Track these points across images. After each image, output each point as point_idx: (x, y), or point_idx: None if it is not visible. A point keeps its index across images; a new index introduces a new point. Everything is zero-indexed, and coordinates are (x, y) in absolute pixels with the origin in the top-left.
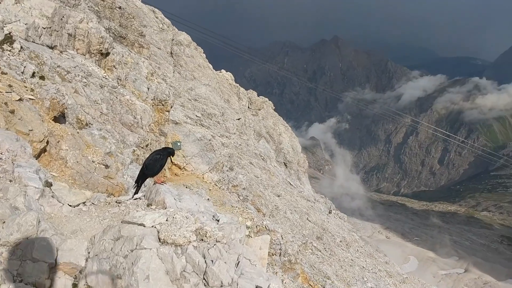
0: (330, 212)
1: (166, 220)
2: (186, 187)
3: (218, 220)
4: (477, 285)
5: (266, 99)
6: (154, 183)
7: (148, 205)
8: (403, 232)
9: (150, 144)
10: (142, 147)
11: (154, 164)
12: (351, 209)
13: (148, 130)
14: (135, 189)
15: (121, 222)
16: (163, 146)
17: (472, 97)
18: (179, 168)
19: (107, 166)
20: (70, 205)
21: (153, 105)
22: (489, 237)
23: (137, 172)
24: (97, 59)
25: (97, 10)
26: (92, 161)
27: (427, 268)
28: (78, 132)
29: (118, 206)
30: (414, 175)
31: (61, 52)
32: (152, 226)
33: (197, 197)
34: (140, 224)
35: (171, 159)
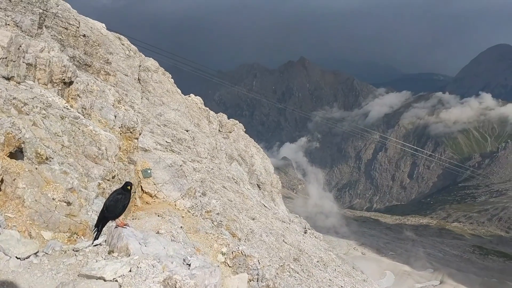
0: (305, 232)
1: (130, 270)
2: (158, 216)
3: (189, 265)
4: None
5: (237, 121)
6: (116, 227)
7: (109, 252)
8: (378, 248)
9: (118, 175)
10: (108, 180)
11: (116, 205)
12: (326, 227)
13: (114, 161)
14: (95, 234)
15: (78, 275)
16: (126, 181)
17: (437, 112)
18: (150, 196)
19: (69, 203)
20: (18, 258)
21: (121, 133)
22: (461, 247)
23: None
24: (60, 88)
25: (60, 38)
26: (53, 198)
27: (404, 282)
28: (36, 168)
29: (75, 255)
30: (386, 190)
31: (18, 83)
32: (113, 280)
33: (164, 240)
34: (99, 278)
35: (141, 187)
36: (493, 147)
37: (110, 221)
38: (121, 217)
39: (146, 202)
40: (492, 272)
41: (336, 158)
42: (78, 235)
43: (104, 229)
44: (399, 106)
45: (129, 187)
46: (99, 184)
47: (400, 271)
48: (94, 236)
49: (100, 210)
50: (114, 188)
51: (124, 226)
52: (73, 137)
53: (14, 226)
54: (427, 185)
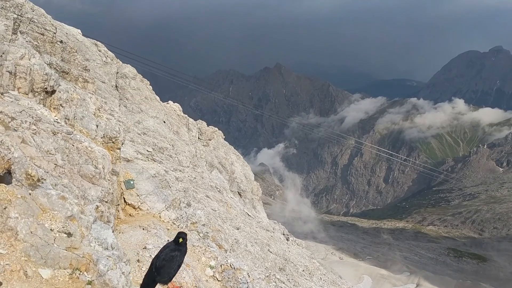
0: (288, 240)
1: None
2: (143, 229)
3: None
4: None
5: (216, 128)
6: None
7: None
8: (355, 252)
9: (112, 193)
10: (107, 202)
11: (170, 266)
12: (304, 232)
13: (109, 179)
14: None
15: None
16: (178, 231)
17: (411, 117)
18: (134, 208)
19: (69, 234)
20: None
21: (103, 143)
22: (436, 250)
23: (103, 233)
24: (41, 98)
25: (36, 44)
26: (50, 229)
27: (381, 286)
28: (30, 194)
29: None
30: (362, 194)
31: (1, 94)
32: None
33: None
34: None
35: (124, 199)
36: (465, 151)
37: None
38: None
39: (129, 214)
40: (466, 274)
41: (312, 163)
42: (80, 271)
43: None
44: (374, 112)
45: (181, 240)
46: (97, 207)
47: (377, 275)
48: None
49: (147, 271)
50: (112, 211)
51: None
52: (67, 155)
53: (7, 264)
54: (402, 189)
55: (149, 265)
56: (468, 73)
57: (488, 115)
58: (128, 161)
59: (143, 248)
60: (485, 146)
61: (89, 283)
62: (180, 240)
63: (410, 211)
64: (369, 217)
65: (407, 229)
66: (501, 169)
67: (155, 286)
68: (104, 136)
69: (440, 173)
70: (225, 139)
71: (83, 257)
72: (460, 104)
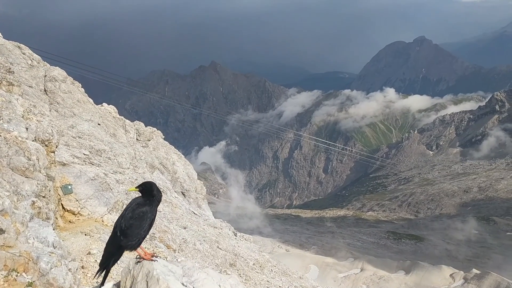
0: (236, 235)
1: None
2: (86, 235)
3: None
4: (373, 281)
5: (155, 129)
6: (139, 261)
7: None
8: (300, 243)
9: (50, 190)
10: (44, 197)
11: (140, 225)
12: (250, 229)
13: (45, 174)
14: (101, 276)
15: None
16: (141, 182)
17: (345, 108)
18: (73, 214)
19: (2, 231)
20: None
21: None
22: (377, 234)
23: (43, 231)
24: None
25: None
26: None
27: (327, 274)
28: None
29: None
30: (303, 186)
31: None
32: None
33: (214, 272)
34: None
35: (62, 205)
36: (397, 137)
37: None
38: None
39: (69, 221)
40: (406, 254)
41: (254, 159)
42: (18, 272)
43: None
44: (311, 105)
45: (153, 191)
46: (33, 202)
47: (323, 263)
48: (101, 282)
49: (109, 237)
50: (51, 207)
51: (153, 259)
52: None
53: None
54: (341, 179)
55: (95, 271)
56: (396, 63)
57: (416, 102)
58: (64, 165)
59: (87, 254)
60: (416, 132)
61: (30, 284)
62: (153, 191)
63: (350, 199)
64: (312, 207)
65: (348, 216)
66: (431, 153)
67: (121, 253)
68: (36, 139)
69: (376, 160)
70: (164, 140)
71: (20, 256)
72: (390, 93)
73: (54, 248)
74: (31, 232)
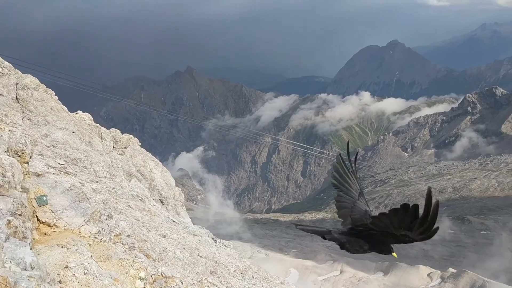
0: (216, 242)
1: None
2: (62, 247)
3: None
4: (352, 283)
5: (131, 136)
6: None
7: None
8: (280, 247)
9: (26, 207)
10: (21, 215)
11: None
12: (229, 234)
13: (21, 190)
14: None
15: None
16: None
17: (322, 111)
18: (49, 226)
19: None
20: None
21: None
22: None
23: (20, 251)
24: None
25: None
26: None
27: (307, 277)
28: None
29: None
30: (282, 190)
31: None
32: None
33: None
34: None
35: (37, 217)
36: (373, 140)
37: None
38: None
39: (45, 234)
40: (384, 256)
41: (232, 164)
42: None
43: None
44: (288, 109)
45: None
46: (9, 221)
47: (303, 267)
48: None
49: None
50: (28, 225)
51: None
52: None
53: None
54: (319, 182)
55: (73, 286)
56: (370, 66)
57: (391, 104)
58: (39, 175)
59: (65, 268)
60: (391, 134)
61: None
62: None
63: (328, 202)
64: (291, 211)
65: (327, 219)
66: (406, 154)
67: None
68: (8, 150)
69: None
70: (141, 146)
71: None
72: (366, 96)
73: (32, 270)
74: (7, 254)
